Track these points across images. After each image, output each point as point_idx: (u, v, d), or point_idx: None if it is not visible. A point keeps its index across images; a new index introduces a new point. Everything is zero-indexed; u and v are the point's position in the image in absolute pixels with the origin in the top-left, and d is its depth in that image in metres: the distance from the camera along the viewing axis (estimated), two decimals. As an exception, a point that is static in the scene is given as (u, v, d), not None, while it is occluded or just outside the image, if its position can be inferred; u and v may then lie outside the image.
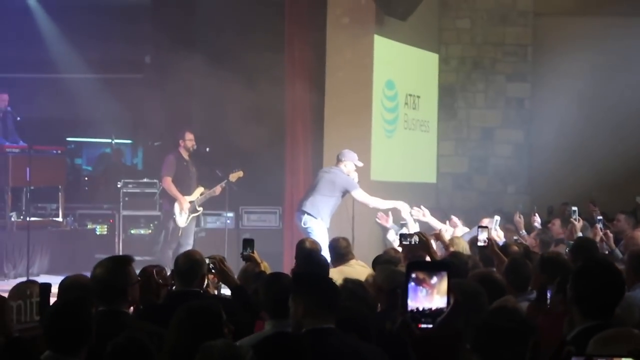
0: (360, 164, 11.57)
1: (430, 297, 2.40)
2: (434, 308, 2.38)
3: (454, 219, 11.45)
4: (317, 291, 4.53)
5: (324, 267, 6.54)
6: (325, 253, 8.42)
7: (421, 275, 2.39)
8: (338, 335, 4.45)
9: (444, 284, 2.40)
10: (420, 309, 2.39)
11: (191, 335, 4.05)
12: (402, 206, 11.28)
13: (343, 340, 4.42)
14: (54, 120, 15.76)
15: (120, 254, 14.43)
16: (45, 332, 4.28)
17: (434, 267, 2.42)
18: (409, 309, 2.40)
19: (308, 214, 11.23)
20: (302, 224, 11.31)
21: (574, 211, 10.07)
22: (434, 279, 2.42)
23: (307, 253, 7.31)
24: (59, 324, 4.26)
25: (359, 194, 11.38)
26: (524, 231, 10.67)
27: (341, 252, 8.10)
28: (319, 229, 11.17)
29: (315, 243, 8.13)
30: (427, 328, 2.36)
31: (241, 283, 6.31)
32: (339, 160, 11.48)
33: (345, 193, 11.39)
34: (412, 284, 2.41)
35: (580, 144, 15.12)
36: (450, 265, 2.49)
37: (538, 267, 6.06)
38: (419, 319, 2.36)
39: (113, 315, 4.88)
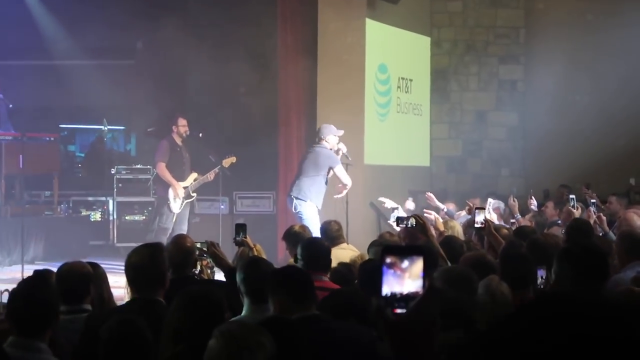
0: (341, 132, 11.54)
1: (401, 280, 2.41)
2: (405, 292, 2.40)
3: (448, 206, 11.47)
4: (291, 288, 4.58)
5: (326, 251, 6.54)
6: (316, 235, 8.46)
7: (393, 259, 2.41)
8: (323, 320, 4.49)
9: (416, 268, 2.41)
10: (394, 293, 2.41)
11: (193, 320, 4.07)
12: (347, 186, 11.38)
13: (330, 325, 4.46)
14: (46, 107, 15.75)
15: (115, 240, 14.52)
16: (7, 317, 4.27)
17: (407, 251, 2.44)
18: (383, 293, 2.42)
19: (296, 198, 11.29)
20: (293, 209, 11.37)
21: (572, 199, 10.09)
22: (405, 263, 2.43)
23: (308, 240, 7.26)
24: (21, 307, 4.25)
25: (339, 170, 11.40)
26: (518, 214, 10.69)
27: (332, 235, 8.12)
28: (310, 211, 11.21)
29: (304, 227, 8.14)
30: (402, 313, 2.38)
31: (238, 268, 6.32)
32: (319, 138, 11.49)
33: (330, 169, 11.38)
34: (386, 268, 2.43)
35: (574, 126, 15.14)
36: (425, 249, 2.51)
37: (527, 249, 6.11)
38: (393, 304, 2.38)
39: (151, 304, 4.87)
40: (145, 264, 5.01)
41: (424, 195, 12.01)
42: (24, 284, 4.48)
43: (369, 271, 5.17)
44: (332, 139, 11.44)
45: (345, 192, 11.48)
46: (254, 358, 3.48)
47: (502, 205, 12.17)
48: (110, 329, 4.01)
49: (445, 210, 11.25)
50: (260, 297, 4.89)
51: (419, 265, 2.40)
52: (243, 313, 5.00)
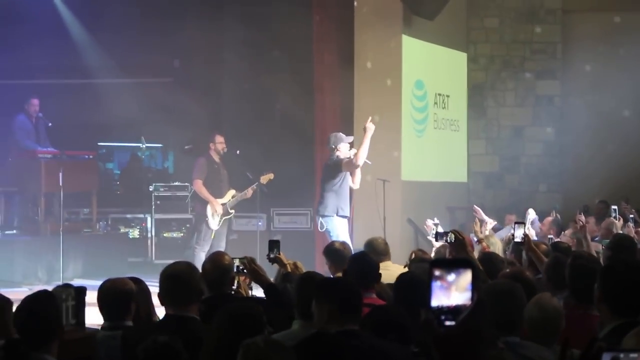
0: (351, 139, 11.41)
1: (448, 293, 2.42)
2: (453, 305, 2.40)
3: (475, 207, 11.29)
4: (338, 297, 4.56)
5: (375, 267, 6.48)
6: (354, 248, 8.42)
7: (440, 272, 2.43)
8: (361, 336, 4.46)
9: (463, 281, 2.42)
10: (442, 306, 2.41)
11: (233, 338, 4.06)
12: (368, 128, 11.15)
13: (366, 341, 4.44)
14: (84, 125, 15.83)
15: (153, 257, 14.59)
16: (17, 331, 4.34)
17: (454, 264, 2.45)
18: (432, 306, 2.43)
19: (322, 216, 11.23)
20: (320, 229, 11.33)
21: (614, 210, 10.03)
22: (452, 276, 2.44)
23: (358, 255, 7.19)
24: (24, 322, 4.32)
25: (346, 163, 11.16)
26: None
27: (379, 251, 7.96)
28: (338, 226, 11.13)
29: (344, 244, 8.07)
30: (450, 325, 2.39)
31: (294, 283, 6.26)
32: (331, 148, 11.35)
33: (338, 170, 11.20)
34: (434, 281, 2.44)
35: (612, 141, 15.05)
36: (472, 262, 2.51)
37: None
38: (441, 316, 2.39)
39: (185, 321, 4.93)
40: (180, 279, 5.04)
41: (461, 211, 11.96)
42: (27, 300, 4.53)
43: (406, 286, 5.14)
44: (343, 146, 11.29)
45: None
46: None
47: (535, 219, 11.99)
48: (146, 350, 4.02)
49: (493, 224, 11.10)
50: (310, 314, 4.86)
51: (466, 278, 2.40)
52: (293, 327, 5.00)
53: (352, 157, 11.18)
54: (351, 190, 11.91)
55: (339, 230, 11.10)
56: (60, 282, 11.19)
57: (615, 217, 9.79)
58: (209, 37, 15.61)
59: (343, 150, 11.30)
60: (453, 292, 2.41)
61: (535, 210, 13.20)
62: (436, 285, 2.42)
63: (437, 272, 2.43)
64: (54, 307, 4.39)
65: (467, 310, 2.38)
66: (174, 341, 4.06)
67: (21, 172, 13.74)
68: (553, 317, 4.72)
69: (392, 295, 5.59)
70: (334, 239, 10.78)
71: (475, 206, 11.21)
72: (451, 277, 2.41)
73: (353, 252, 7.70)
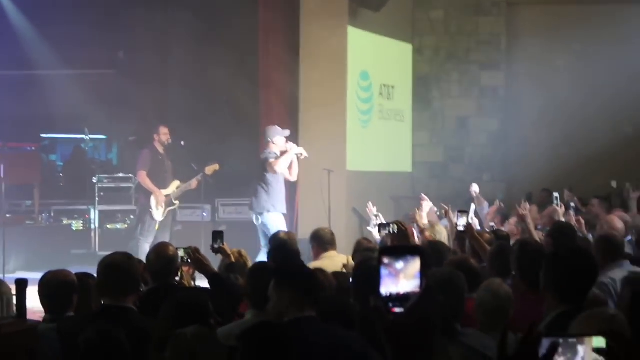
0: (287, 133, 11.48)
1: (396, 281, 2.42)
2: (401, 292, 2.41)
3: (422, 195, 11.34)
4: (299, 282, 4.56)
5: (297, 256, 6.51)
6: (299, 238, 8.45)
7: (389, 260, 2.42)
8: (319, 323, 4.49)
9: (412, 269, 2.42)
10: (391, 293, 2.42)
11: (180, 327, 4.04)
12: (296, 151, 11.35)
13: (324, 328, 4.47)
14: (27, 117, 15.65)
15: (97, 249, 14.47)
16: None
17: (403, 252, 2.44)
18: (381, 293, 2.42)
19: (256, 212, 11.28)
20: (255, 222, 11.37)
21: (556, 197, 10.15)
22: (400, 264, 2.44)
23: (281, 243, 7.26)
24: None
25: (269, 164, 11.26)
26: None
27: (326, 241, 7.97)
28: (273, 220, 11.20)
29: (290, 234, 8.08)
30: (399, 312, 2.39)
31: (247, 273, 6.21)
32: (266, 142, 11.44)
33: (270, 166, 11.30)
34: (383, 268, 2.43)
35: (555, 131, 15.21)
36: (422, 250, 2.51)
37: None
38: (390, 303, 2.39)
39: (124, 312, 4.90)
40: (117, 271, 5.00)
41: (406, 200, 12.01)
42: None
43: (364, 273, 5.13)
44: (279, 140, 11.37)
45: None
46: None
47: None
48: (88, 340, 3.98)
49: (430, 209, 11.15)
50: (264, 302, 4.85)
51: (414, 265, 2.40)
52: (246, 317, 4.98)
53: (278, 157, 11.26)
54: (293, 182, 11.96)
55: (275, 223, 11.12)
56: (2, 275, 11.08)
57: (557, 205, 9.91)
58: (153, 28, 15.49)
59: (278, 144, 11.36)
60: (401, 279, 2.41)
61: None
62: (385, 272, 2.41)
63: (385, 260, 2.43)
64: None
65: (415, 297, 2.38)
66: (116, 331, 4.03)
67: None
68: (505, 303, 4.78)
69: (351, 283, 5.55)
70: (271, 232, 10.80)
71: (422, 194, 11.26)
72: (399, 264, 2.41)
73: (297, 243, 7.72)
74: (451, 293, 4.51)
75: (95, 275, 5.67)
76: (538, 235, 8.92)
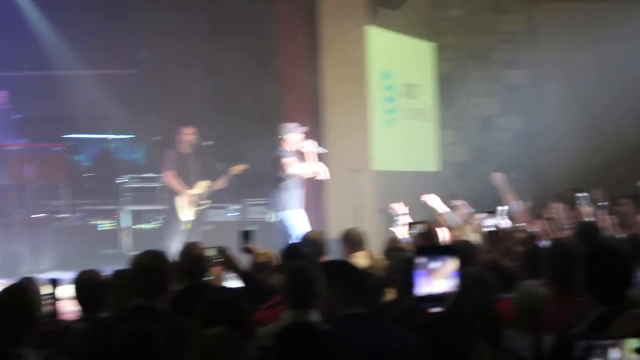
0: (303, 129, 11.33)
1: (431, 280, 2.46)
2: (437, 292, 2.44)
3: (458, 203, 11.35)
4: (351, 278, 4.59)
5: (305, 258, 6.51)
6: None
7: (424, 260, 2.46)
8: (371, 319, 4.53)
9: (447, 269, 2.46)
10: (426, 293, 2.45)
11: (214, 326, 4.07)
12: (316, 169, 11.23)
13: (376, 324, 4.50)
14: (52, 118, 15.75)
15: (126, 249, 14.55)
16: None
17: (438, 252, 2.48)
18: (417, 294, 2.46)
19: (274, 211, 11.27)
20: (268, 220, 11.38)
21: (583, 197, 10.11)
22: (436, 264, 2.48)
23: (292, 246, 7.23)
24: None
25: (282, 163, 11.13)
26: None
27: (355, 241, 8.03)
28: (291, 218, 11.13)
29: (320, 233, 8.09)
30: (435, 312, 2.43)
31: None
32: (279, 140, 11.27)
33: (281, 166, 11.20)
34: (419, 269, 2.47)
35: (581, 129, 15.14)
36: (457, 250, 2.55)
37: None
38: (426, 304, 2.43)
39: (154, 312, 4.85)
40: (148, 270, 4.98)
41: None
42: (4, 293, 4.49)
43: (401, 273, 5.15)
44: (292, 137, 11.21)
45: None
46: None
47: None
48: (124, 339, 4.01)
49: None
50: (302, 303, 4.90)
51: (449, 265, 2.43)
52: (283, 317, 5.01)
53: (298, 155, 11.18)
54: (318, 181, 11.96)
55: (294, 221, 11.08)
56: (30, 275, 11.17)
57: (583, 204, 9.88)
58: (175, 28, 15.54)
59: (291, 141, 11.21)
60: (437, 279, 2.44)
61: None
62: (420, 272, 2.45)
63: (421, 260, 2.46)
64: (26, 300, 4.35)
65: (452, 297, 2.41)
66: (153, 330, 4.06)
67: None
68: (542, 304, 4.80)
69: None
70: (291, 230, 10.83)
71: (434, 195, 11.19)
72: (435, 264, 2.44)
73: (327, 242, 7.74)
74: (483, 293, 4.53)
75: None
76: (566, 235, 8.93)
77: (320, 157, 11.37)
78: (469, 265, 5.72)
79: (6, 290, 4.50)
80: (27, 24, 15.56)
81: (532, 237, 7.89)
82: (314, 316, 4.89)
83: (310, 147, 11.28)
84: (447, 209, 10.96)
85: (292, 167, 11.15)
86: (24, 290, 4.58)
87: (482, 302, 4.17)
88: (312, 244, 7.47)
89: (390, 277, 5.86)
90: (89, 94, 15.73)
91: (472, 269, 5.20)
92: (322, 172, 11.29)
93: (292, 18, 13.69)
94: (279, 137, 11.25)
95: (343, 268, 4.81)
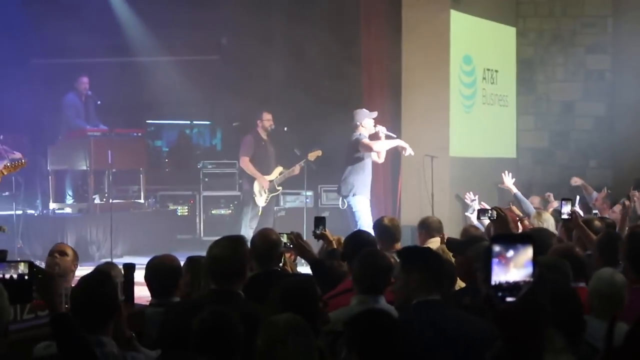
0: (374, 114, 11.50)
1: (507, 270, 2.39)
2: (511, 281, 2.38)
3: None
4: (429, 264, 4.55)
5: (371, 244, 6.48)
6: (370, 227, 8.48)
7: (500, 249, 2.40)
8: (445, 307, 4.51)
9: (523, 257, 2.38)
10: (502, 282, 2.39)
11: (287, 311, 4.06)
12: (402, 143, 11.42)
13: (451, 312, 4.50)
14: (133, 104, 15.94)
15: (202, 234, 14.65)
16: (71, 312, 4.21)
17: (513, 240, 2.41)
18: (492, 282, 2.40)
19: (343, 196, 11.32)
20: (342, 206, 11.47)
21: None
22: (510, 252, 2.41)
23: (355, 233, 7.19)
24: (81, 303, 4.22)
25: (364, 144, 11.31)
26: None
27: (433, 227, 8.06)
28: (359, 203, 11.23)
29: (394, 219, 8.04)
30: (511, 301, 2.36)
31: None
32: (355, 125, 11.44)
33: (360, 151, 11.34)
34: (494, 257, 2.41)
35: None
36: (532, 238, 2.47)
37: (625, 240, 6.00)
38: (500, 293, 2.36)
39: (230, 296, 4.80)
40: (227, 255, 4.92)
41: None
42: (84, 280, 4.46)
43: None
44: (367, 122, 11.41)
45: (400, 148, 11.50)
46: (287, 351, 3.56)
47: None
48: (202, 321, 4.01)
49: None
50: (372, 288, 4.95)
51: (526, 254, 2.37)
52: (353, 303, 4.99)
53: (372, 139, 11.31)
54: (395, 168, 11.95)
55: (361, 207, 11.18)
56: (110, 259, 11.33)
57: None
58: (255, 13, 15.60)
59: (367, 127, 11.41)
60: (512, 268, 2.38)
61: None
62: (495, 261, 2.39)
63: (497, 249, 2.40)
64: (111, 287, 4.35)
65: (527, 286, 2.35)
66: (231, 313, 4.05)
67: (71, 150, 13.86)
68: (621, 291, 4.74)
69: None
70: (356, 216, 10.91)
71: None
72: (510, 253, 2.38)
73: (400, 229, 7.68)
74: (557, 281, 4.43)
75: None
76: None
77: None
78: (544, 254, 5.63)
79: (89, 277, 4.50)
80: (109, 11, 15.75)
81: (609, 225, 7.71)
82: (383, 302, 4.86)
83: (383, 132, 11.50)
84: (522, 197, 10.82)
85: (376, 144, 11.34)
86: (107, 276, 4.58)
87: (557, 290, 4.08)
88: (385, 230, 7.44)
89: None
90: (169, 80, 15.88)
91: (546, 257, 5.11)
92: (407, 147, 11.43)
93: (374, 2, 13.61)
94: (356, 122, 11.36)
95: (421, 255, 4.77)
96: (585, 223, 7.35)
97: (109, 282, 4.38)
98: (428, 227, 8.04)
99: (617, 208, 10.03)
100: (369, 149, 11.33)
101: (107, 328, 4.18)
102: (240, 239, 5.20)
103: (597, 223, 7.58)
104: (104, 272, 4.84)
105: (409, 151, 11.46)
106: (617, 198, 11.28)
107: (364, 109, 11.60)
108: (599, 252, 6.17)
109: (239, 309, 4.42)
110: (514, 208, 9.62)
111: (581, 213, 9.44)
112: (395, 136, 11.61)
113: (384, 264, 5.08)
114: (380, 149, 11.51)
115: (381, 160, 11.79)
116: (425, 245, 7.50)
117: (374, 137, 11.43)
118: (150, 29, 15.76)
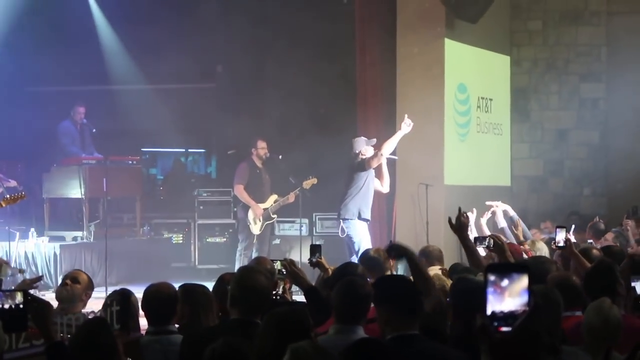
0: (373, 142, 11.48)
1: (502, 299, 2.39)
2: (506, 310, 2.38)
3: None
4: (398, 298, 4.48)
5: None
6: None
7: (495, 278, 2.40)
8: (423, 341, 4.41)
9: (518, 286, 2.38)
10: (497, 311, 2.39)
11: (279, 343, 4.04)
12: (403, 127, 11.32)
13: (428, 346, 4.39)
14: (128, 131, 15.96)
15: (197, 262, 14.63)
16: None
17: (509, 269, 2.41)
18: (488, 312, 2.39)
19: (343, 219, 11.27)
20: (341, 234, 11.36)
21: None
22: (505, 281, 2.41)
23: (343, 265, 7.19)
24: (83, 349, 4.21)
25: (370, 159, 11.28)
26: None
27: (434, 256, 8.02)
28: (359, 230, 11.17)
29: (379, 249, 7.97)
30: (506, 331, 2.36)
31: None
32: (355, 154, 11.45)
33: (362, 171, 11.31)
34: (489, 287, 2.41)
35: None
36: (528, 267, 2.47)
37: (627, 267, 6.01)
38: (496, 323, 2.36)
39: (253, 326, 4.78)
40: (257, 287, 5.00)
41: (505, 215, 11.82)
42: (82, 330, 4.43)
43: (463, 291, 5.04)
44: (367, 150, 11.41)
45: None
46: None
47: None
48: (214, 350, 3.99)
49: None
50: (349, 317, 4.86)
51: (521, 283, 2.37)
52: (330, 332, 4.95)
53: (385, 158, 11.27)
54: (389, 195, 11.91)
55: (360, 234, 11.14)
56: (104, 287, 11.30)
57: None
58: (251, 42, 15.65)
59: (367, 154, 11.41)
60: (507, 297, 2.38)
61: (579, 215, 13.08)
62: (490, 290, 2.38)
63: (491, 278, 2.40)
64: (108, 333, 4.33)
65: (523, 315, 2.34)
66: (243, 344, 4.03)
67: (66, 178, 13.85)
68: (615, 330, 4.65)
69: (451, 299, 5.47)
70: (356, 243, 10.86)
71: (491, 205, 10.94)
72: (505, 282, 2.38)
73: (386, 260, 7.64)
74: (550, 311, 4.41)
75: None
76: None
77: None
78: (541, 282, 5.61)
79: (87, 326, 4.48)
80: (105, 38, 15.79)
81: (605, 253, 7.70)
82: (360, 333, 4.81)
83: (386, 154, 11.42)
84: (519, 221, 10.72)
85: (384, 148, 11.26)
86: (103, 324, 4.55)
87: (549, 320, 4.07)
88: (373, 261, 7.41)
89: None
90: (165, 108, 15.90)
91: (540, 286, 5.08)
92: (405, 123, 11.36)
93: (370, 31, 13.68)
94: (355, 151, 11.32)
95: (391, 287, 4.70)
96: (583, 252, 7.33)
97: (105, 330, 4.36)
98: (428, 256, 7.96)
99: (610, 236, 10.04)
100: (378, 158, 11.27)
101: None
102: (266, 270, 5.35)
103: (595, 252, 7.54)
104: (99, 320, 4.80)
105: (408, 122, 11.36)
106: (611, 226, 11.30)
107: (362, 137, 11.60)
108: (592, 280, 6.11)
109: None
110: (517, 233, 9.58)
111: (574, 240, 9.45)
112: (396, 158, 11.49)
113: (362, 292, 4.98)
114: (388, 150, 11.38)
115: (385, 189, 11.73)
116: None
117: (373, 157, 11.35)
118: (145, 57, 15.78)
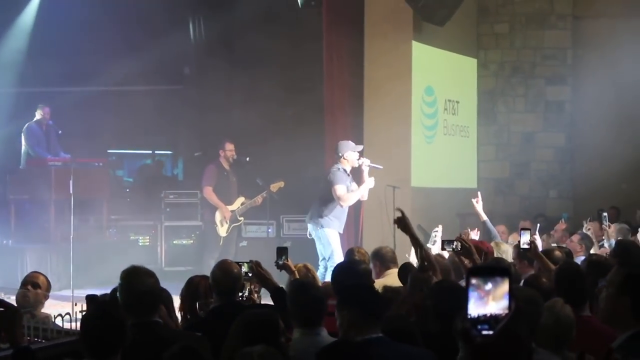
0: (360, 148, 11.07)
1: (485, 302, 2.39)
2: (488, 314, 2.38)
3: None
4: (359, 302, 4.49)
5: (364, 276, 6.46)
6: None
7: (477, 281, 2.40)
8: (388, 344, 4.41)
9: (500, 290, 2.38)
10: (479, 315, 2.39)
11: (247, 344, 4.02)
12: (370, 183, 10.96)
13: (393, 348, 4.40)
14: (95, 133, 15.84)
15: (163, 264, 14.55)
16: (81, 340, 4.16)
17: (492, 273, 2.41)
18: (469, 315, 2.39)
19: (310, 223, 11.05)
20: (309, 236, 11.21)
21: (604, 217, 10.08)
22: (489, 285, 2.41)
23: (346, 264, 7.20)
24: (96, 330, 4.15)
25: (338, 190, 10.78)
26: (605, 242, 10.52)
27: (387, 259, 7.89)
28: (331, 239, 10.86)
29: (364, 254, 7.95)
30: (488, 334, 2.35)
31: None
32: (337, 157, 10.98)
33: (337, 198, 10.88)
34: (472, 290, 2.40)
35: (623, 147, 14.96)
36: (510, 270, 2.48)
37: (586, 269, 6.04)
38: (479, 326, 2.36)
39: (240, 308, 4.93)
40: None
41: (472, 217, 11.86)
42: (97, 306, 4.41)
43: (445, 292, 5.02)
44: (350, 155, 10.90)
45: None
46: None
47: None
48: (172, 356, 3.97)
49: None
50: (309, 321, 4.86)
51: (503, 286, 2.37)
52: (295, 336, 4.94)
53: (368, 166, 10.98)
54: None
55: (332, 240, 10.85)
56: (70, 290, 11.21)
57: (605, 225, 9.87)
58: (218, 45, 15.61)
59: (350, 159, 10.93)
60: (490, 301, 2.38)
61: (545, 217, 13.17)
62: (473, 294, 2.38)
63: (474, 281, 2.40)
64: (120, 317, 4.29)
65: (505, 318, 2.34)
66: (201, 348, 4.01)
67: (32, 179, 13.73)
68: (566, 326, 4.66)
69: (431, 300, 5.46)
70: (329, 245, 10.67)
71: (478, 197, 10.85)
72: (488, 286, 2.38)
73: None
74: (534, 314, 4.44)
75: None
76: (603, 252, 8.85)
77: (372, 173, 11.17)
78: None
79: (102, 303, 4.47)
80: (72, 39, 15.66)
81: (567, 255, 7.76)
82: (324, 334, 4.81)
83: (367, 164, 11.01)
84: (490, 225, 10.69)
85: (348, 200, 10.90)
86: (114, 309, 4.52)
87: (533, 322, 4.08)
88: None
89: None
90: (131, 110, 15.81)
91: (524, 289, 5.06)
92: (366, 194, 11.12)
93: (338, 33, 13.66)
94: (338, 154, 11.00)
95: (353, 292, 4.71)
96: (546, 253, 7.37)
97: (119, 313, 4.32)
98: (382, 258, 7.80)
99: (576, 238, 10.10)
100: (341, 202, 10.84)
101: (117, 355, 4.11)
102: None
103: (557, 253, 7.56)
104: (115, 299, 4.79)
105: (372, 165, 11.02)
106: (576, 228, 11.38)
107: (349, 141, 11.12)
108: (556, 282, 6.14)
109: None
110: (470, 233, 9.63)
111: (540, 242, 9.51)
112: (381, 167, 11.27)
113: (315, 295, 5.00)
114: (351, 203, 11.04)
115: (364, 198, 11.39)
116: (382, 278, 7.48)
117: (354, 170, 11.08)
118: (111, 58, 15.68)
